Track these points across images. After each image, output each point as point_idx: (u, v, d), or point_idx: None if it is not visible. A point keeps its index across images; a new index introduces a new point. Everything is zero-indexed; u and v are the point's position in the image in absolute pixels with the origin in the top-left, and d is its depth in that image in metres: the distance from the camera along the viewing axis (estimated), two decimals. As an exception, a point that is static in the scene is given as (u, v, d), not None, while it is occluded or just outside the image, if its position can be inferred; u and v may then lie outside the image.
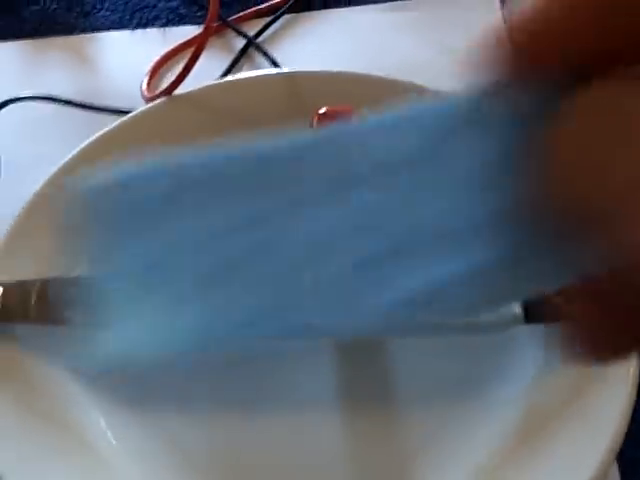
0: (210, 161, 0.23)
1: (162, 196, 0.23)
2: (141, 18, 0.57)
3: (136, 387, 0.38)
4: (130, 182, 0.24)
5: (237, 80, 0.47)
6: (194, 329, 0.23)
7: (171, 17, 0.56)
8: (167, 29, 0.56)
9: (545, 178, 0.18)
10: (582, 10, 0.18)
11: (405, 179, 0.22)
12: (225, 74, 0.53)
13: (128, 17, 0.57)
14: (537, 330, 0.38)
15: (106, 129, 0.44)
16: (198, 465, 0.37)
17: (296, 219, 0.22)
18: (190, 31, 0.55)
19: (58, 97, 0.50)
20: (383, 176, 0.22)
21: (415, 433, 0.37)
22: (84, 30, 0.56)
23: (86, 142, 0.43)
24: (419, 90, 0.46)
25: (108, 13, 0.57)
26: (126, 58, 0.55)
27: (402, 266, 0.22)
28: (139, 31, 0.56)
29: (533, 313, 0.36)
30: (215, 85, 0.46)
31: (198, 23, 0.56)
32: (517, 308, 0.36)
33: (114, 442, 0.37)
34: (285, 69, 0.49)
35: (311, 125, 0.41)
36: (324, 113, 0.41)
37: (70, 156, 0.43)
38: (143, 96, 0.50)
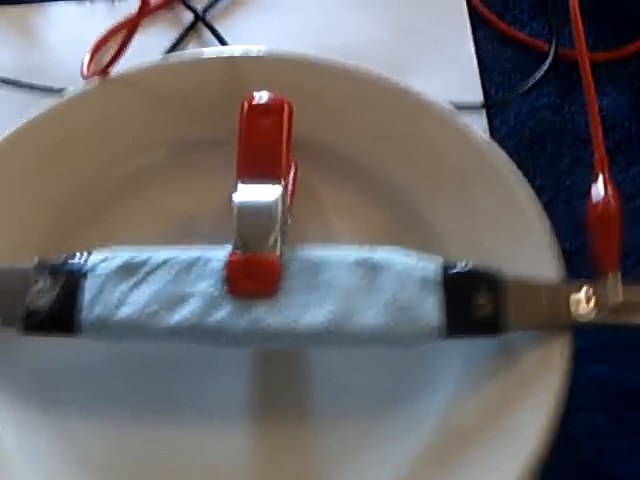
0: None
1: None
2: (90, -11, 0.55)
3: (36, 390, 0.37)
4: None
5: (173, 62, 0.45)
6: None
7: (122, -12, 0.54)
8: (116, 1, 0.54)
9: None
10: None
11: None
12: (170, 50, 0.51)
13: (77, -13, 0.55)
14: (457, 344, 0.36)
15: (35, 113, 0.43)
16: (98, 469, 0.36)
17: None
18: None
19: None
20: None
21: (332, 447, 0.36)
22: (31, 1, 0.54)
23: (11, 129, 0.42)
24: (361, 73, 0.44)
25: (56, -16, 0.55)
26: (72, 32, 0.52)
27: None
28: (87, 3, 0.54)
29: (453, 327, 0.35)
30: (150, 67, 0.44)
31: (150, -5, 0.53)
32: (437, 322, 0.35)
33: (9, 444, 0.36)
34: (225, 48, 0.47)
35: (240, 115, 0.40)
36: (252, 105, 0.40)
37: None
38: (82, 75, 0.48)
